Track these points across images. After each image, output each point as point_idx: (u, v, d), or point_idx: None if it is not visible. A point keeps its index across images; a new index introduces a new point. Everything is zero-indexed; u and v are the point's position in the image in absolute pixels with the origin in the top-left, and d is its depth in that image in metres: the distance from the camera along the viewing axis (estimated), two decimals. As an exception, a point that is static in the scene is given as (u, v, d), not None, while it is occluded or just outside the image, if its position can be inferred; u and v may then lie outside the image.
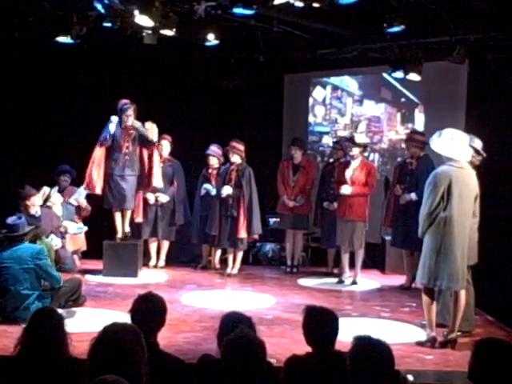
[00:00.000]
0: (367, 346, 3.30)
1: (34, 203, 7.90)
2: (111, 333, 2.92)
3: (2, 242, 6.55)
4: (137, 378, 2.80)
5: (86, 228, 8.84)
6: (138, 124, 8.81)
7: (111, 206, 9.00)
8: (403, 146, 9.60)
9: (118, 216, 9.05)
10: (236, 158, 9.18)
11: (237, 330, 3.38)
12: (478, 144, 6.44)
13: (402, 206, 8.49)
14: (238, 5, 7.35)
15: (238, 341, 3.29)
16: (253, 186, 9.19)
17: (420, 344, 6.07)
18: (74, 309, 6.86)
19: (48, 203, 8.44)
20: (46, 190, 8.56)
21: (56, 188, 8.74)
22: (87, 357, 2.88)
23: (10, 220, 6.52)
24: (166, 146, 9.50)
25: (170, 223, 9.62)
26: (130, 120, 8.79)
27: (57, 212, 8.49)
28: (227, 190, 9.09)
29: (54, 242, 7.81)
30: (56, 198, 8.57)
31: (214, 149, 9.56)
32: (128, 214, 9.09)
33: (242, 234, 9.12)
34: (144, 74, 10.95)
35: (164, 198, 9.45)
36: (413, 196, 8.35)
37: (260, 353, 3.31)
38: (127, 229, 9.09)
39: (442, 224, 5.87)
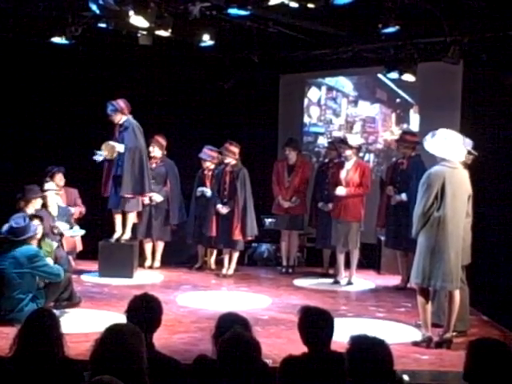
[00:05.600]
0: (367, 345, 3.30)
1: (35, 205, 7.94)
2: (117, 332, 2.95)
3: (2, 242, 6.52)
4: (141, 377, 2.83)
5: (82, 232, 8.79)
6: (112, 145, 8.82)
7: (110, 206, 9.00)
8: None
9: (118, 218, 9.04)
10: (229, 160, 9.21)
11: (231, 331, 3.39)
12: (469, 143, 6.44)
13: (394, 207, 8.53)
14: (233, 5, 7.36)
15: (233, 341, 3.29)
16: (247, 188, 9.20)
17: (415, 344, 6.08)
18: (69, 309, 6.85)
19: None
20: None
21: (51, 183, 8.71)
22: (90, 356, 2.90)
23: (15, 223, 6.42)
24: (154, 148, 9.49)
25: (165, 223, 9.63)
26: (116, 119, 8.82)
27: (52, 211, 8.48)
28: (225, 209, 9.12)
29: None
30: (50, 187, 8.55)
31: (207, 151, 9.56)
32: (130, 218, 9.07)
33: (237, 235, 9.13)
34: (139, 75, 10.93)
35: (158, 198, 9.46)
36: (403, 196, 8.40)
37: (255, 353, 3.32)
38: (127, 235, 9.08)
39: (435, 224, 5.88)
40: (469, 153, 6.39)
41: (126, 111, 8.88)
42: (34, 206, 7.96)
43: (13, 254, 6.33)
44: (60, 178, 9.06)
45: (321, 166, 10.01)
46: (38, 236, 6.91)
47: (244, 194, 9.16)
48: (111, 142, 8.79)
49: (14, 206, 7.93)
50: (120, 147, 8.77)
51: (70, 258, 8.97)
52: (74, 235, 8.77)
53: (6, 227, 6.46)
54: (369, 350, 3.26)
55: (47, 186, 8.57)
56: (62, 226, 8.45)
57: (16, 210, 7.93)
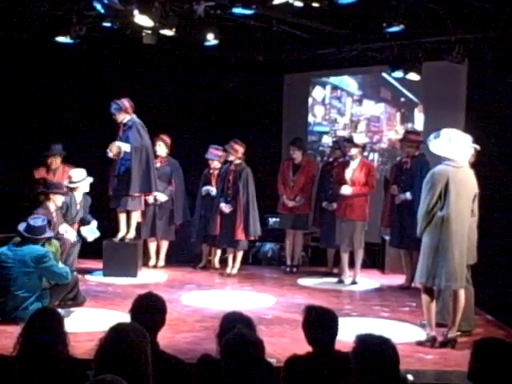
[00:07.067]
0: (373, 344, 3.29)
1: (57, 201, 7.92)
2: (121, 332, 2.95)
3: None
4: (145, 376, 2.83)
5: (97, 234, 8.78)
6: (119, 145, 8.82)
7: (114, 205, 9.01)
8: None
9: (122, 217, 9.05)
10: (232, 158, 9.22)
11: (235, 330, 3.39)
12: (468, 139, 6.40)
13: (398, 206, 8.52)
14: (238, 5, 7.34)
15: (237, 340, 3.29)
16: (250, 188, 9.18)
17: (420, 344, 6.07)
18: (73, 308, 6.86)
19: (71, 185, 8.46)
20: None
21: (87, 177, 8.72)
22: (95, 355, 2.90)
23: (33, 221, 6.46)
24: (161, 146, 9.50)
25: (169, 223, 9.63)
26: (119, 118, 8.83)
27: (77, 198, 8.51)
28: (228, 208, 9.13)
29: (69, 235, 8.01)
30: (83, 184, 8.58)
31: (213, 151, 9.56)
32: (134, 217, 9.08)
33: (239, 235, 9.12)
34: (143, 74, 10.94)
35: (162, 198, 9.46)
36: (408, 195, 8.39)
37: (259, 352, 3.31)
38: (131, 234, 9.08)
39: (439, 223, 5.87)
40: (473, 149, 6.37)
41: (129, 110, 8.89)
42: (55, 202, 7.92)
43: (22, 252, 6.35)
44: (53, 162, 9.07)
45: (325, 166, 9.99)
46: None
47: (246, 194, 9.15)
48: (117, 142, 8.80)
49: (17, 204, 7.95)
50: (126, 146, 8.77)
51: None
52: (90, 236, 8.75)
53: (23, 225, 6.49)
54: (375, 348, 3.25)
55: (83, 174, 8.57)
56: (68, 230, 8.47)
57: (36, 203, 7.94)
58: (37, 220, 6.52)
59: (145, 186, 8.95)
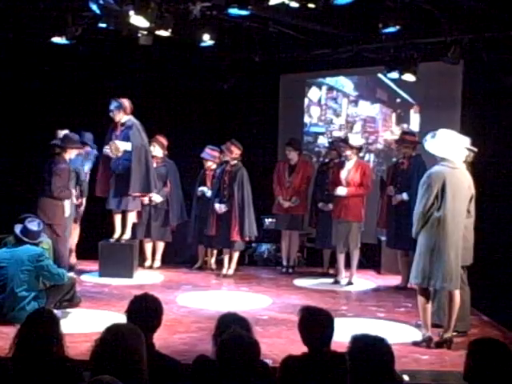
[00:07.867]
0: (368, 344, 3.30)
1: (71, 154, 8.35)
2: (117, 333, 2.95)
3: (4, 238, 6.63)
4: (140, 377, 2.83)
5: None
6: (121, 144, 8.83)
7: (111, 206, 8.98)
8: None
9: (117, 218, 9.04)
10: (227, 158, 9.22)
11: (230, 331, 3.39)
12: (466, 141, 6.43)
13: (395, 207, 8.53)
14: (234, 5, 7.35)
15: (232, 341, 3.29)
16: (245, 188, 9.17)
17: (416, 344, 6.08)
18: (69, 309, 6.85)
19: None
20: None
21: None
22: (90, 356, 2.90)
23: (30, 225, 6.48)
24: (156, 148, 9.48)
25: (164, 224, 9.62)
26: (117, 117, 8.81)
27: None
28: (223, 209, 9.12)
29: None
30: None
31: (209, 151, 9.56)
32: (130, 218, 9.06)
33: (235, 236, 9.11)
34: (139, 75, 10.93)
35: (157, 198, 9.45)
36: (404, 196, 8.41)
37: (254, 353, 3.32)
38: (127, 235, 9.07)
39: (435, 224, 5.88)
40: (468, 149, 6.39)
41: (128, 111, 8.88)
42: (69, 155, 8.34)
43: (18, 252, 6.39)
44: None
45: (321, 166, 10.00)
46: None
47: (241, 195, 9.14)
48: (117, 141, 8.79)
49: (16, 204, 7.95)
50: (127, 145, 8.76)
51: (73, 254, 9.03)
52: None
53: (19, 227, 6.49)
54: (370, 348, 3.26)
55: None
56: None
57: (50, 156, 8.25)
58: (33, 224, 6.53)
59: (144, 186, 8.93)
